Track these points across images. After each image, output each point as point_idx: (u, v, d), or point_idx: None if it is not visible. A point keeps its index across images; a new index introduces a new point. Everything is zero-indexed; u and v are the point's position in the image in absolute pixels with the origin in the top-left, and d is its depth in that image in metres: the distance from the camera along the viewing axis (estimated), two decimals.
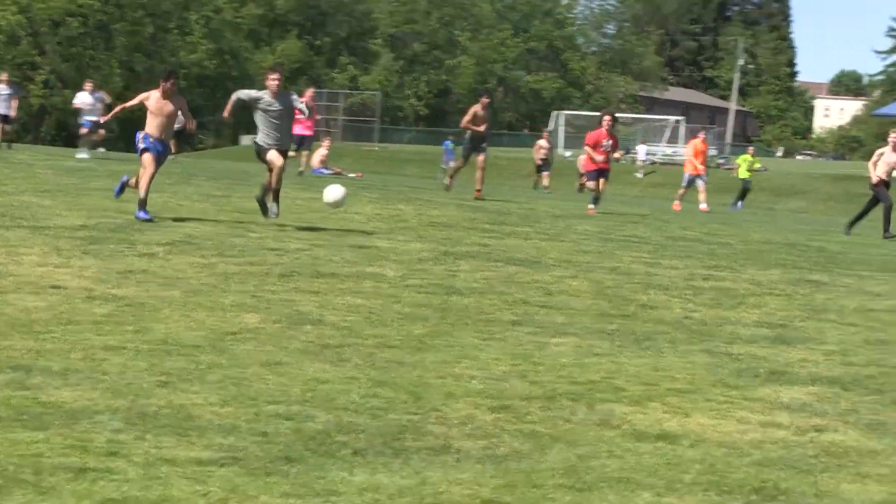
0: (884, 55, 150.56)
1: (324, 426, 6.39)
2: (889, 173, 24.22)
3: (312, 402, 6.90)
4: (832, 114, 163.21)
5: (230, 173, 28.58)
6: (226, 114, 16.59)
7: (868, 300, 13.04)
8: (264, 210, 15.99)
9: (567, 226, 19.65)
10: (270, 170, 15.99)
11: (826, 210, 53.74)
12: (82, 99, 32.89)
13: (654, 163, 68.71)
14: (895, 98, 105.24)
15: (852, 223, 25.11)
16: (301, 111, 16.48)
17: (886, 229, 24.57)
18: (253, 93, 16.24)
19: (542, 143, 47.01)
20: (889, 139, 24.32)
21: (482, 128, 24.80)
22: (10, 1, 78.18)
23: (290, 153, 19.10)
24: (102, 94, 33.63)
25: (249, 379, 7.36)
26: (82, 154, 31.01)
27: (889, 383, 8.52)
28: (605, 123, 24.05)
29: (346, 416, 6.64)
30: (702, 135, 35.71)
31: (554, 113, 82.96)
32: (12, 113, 32.42)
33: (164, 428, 6.15)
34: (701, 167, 33.63)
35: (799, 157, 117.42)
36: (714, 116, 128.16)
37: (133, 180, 16.16)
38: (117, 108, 17.17)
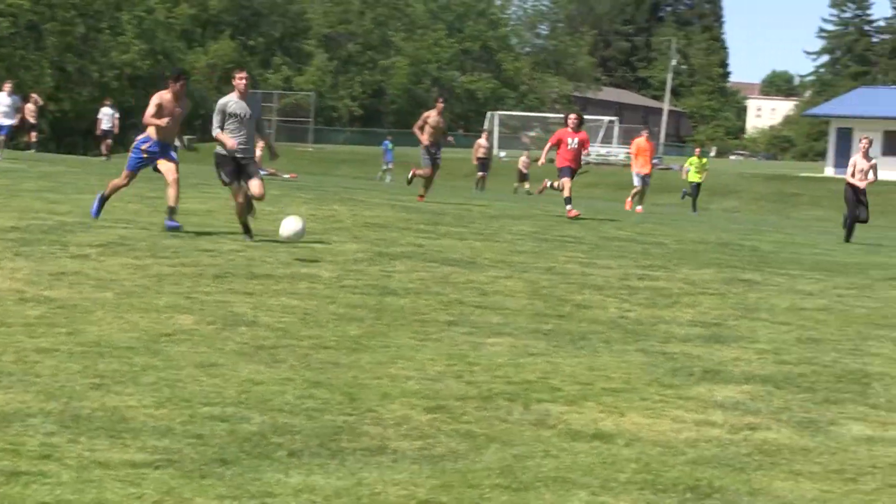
0: (814, 56, 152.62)
1: (259, 428, 6.37)
2: (863, 178, 23.86)
3: (247, 403, 6.87)
4: (764, 114, 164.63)
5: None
6: (231, 144, 14.76)
7: (800, 299, 13.15)
8: (247, 231, 14.76)
9: (502, 226, 19.67)
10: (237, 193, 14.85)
11: (758, 209, 54.25)
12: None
13: (588, 163, 68.87)
14: (826, 98, 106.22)
15: (849, 232, 24.34)
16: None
17: (848, 236, 24.44)
18: (221, 100, 15.11)
19: (482, 142, 47.09)
20: (860, 146, 24.09)
21: (440, 134, 24.65)
22: None
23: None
24: (35, 97, 33.23)
25: (184, 381, 7.32)
26: None
27: (820, 381, 8.59)
28: (570, 122, 24.01)
29: (282, 417, 6.62)
30: (645, 133, 35.59)
31: (489, 113, 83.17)
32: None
33: (97, 430, 6.11)
34: (644, 168, 33.27)
35: (732, 157, 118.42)
36: (647, 117, 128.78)
37: (111, 186, 15.82)
38: (154, 121, 15.19)
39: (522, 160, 53.61)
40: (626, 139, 74.07)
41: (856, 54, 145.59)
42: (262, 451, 5.96)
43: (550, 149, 24.03)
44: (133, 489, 5.22)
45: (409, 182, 26.17)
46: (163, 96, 15.28)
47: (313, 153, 74.07)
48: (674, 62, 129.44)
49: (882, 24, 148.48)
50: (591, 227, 21.57)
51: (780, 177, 66.69)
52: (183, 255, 12.87)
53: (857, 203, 23.84)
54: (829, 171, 70.00)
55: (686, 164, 42.82)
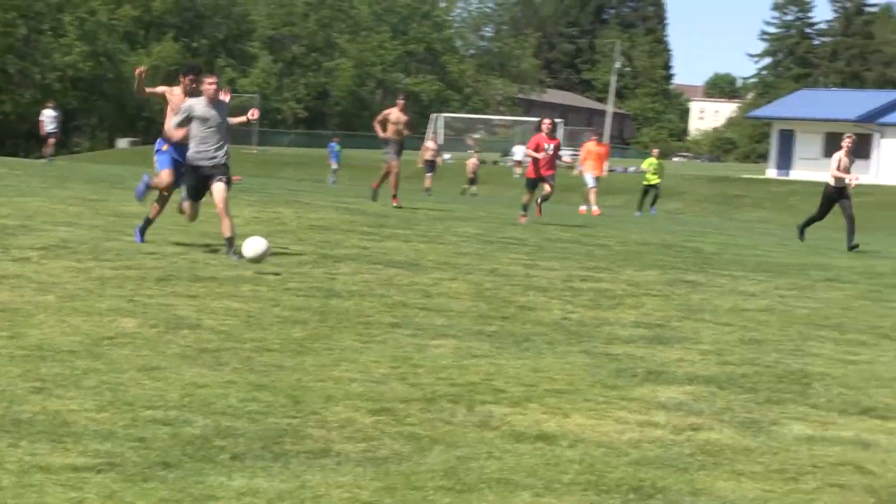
0: (756, 58, 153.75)
1: (202, 431, 6.34)
2: (846, 174, 23.72)
3: (190, 406, 6.84)
4: (707, 116, 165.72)
5: (106, 177, 28.25)
6: (179, 134, 14.23)
7: (742, 300, 13.24)
8: (231, 246, 13.75)
9: (446, 228, 19.70)
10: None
11: (702, 211, 54.56)
12: None
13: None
14: (768, 100, 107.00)
15: (850, 237, 24.18)
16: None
17: (801, 234, 24.57)
18: (185, 103, 14.14)
19: (430, 144, 47.17)
20: (843, 143, 23.96)
21: (403, 131, 24.48)
22: None
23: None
24: None
25: (126, 384, 7.28)
26: None
27: (762, 382, 8.65)
28: (544, 128, 23.89)
29: (225, 420, 6.59)
30: (594, 137, 35.59)
31: (433, 115, 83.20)
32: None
33: (38, 434, 6.06)
34: (594, 171, 33.15)
35: (675, 159, 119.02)
36: (592, 118, 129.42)
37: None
38: (175, 134, 14.48)
39: (472, 162, 53.70)
40: (571, 141, 74.30)
41: (797, 57, 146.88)
42: (205, 454, 5.93)
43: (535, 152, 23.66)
44: (74, 493, 5.18)
45: (395, 198, 24.95)
46: (173, 89, 14.77)
47: (257, 155, 73.82)
48: (618, 64, 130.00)
49: (823, 26, 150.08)
50: (535, 229, 21.63)
51: (723, 179, 67.08)
52: (126, 258, 12.80)
53: (831, 205, 23.89)
54: (772, 172, 70.52)
55: (644, 165, 42.57)
